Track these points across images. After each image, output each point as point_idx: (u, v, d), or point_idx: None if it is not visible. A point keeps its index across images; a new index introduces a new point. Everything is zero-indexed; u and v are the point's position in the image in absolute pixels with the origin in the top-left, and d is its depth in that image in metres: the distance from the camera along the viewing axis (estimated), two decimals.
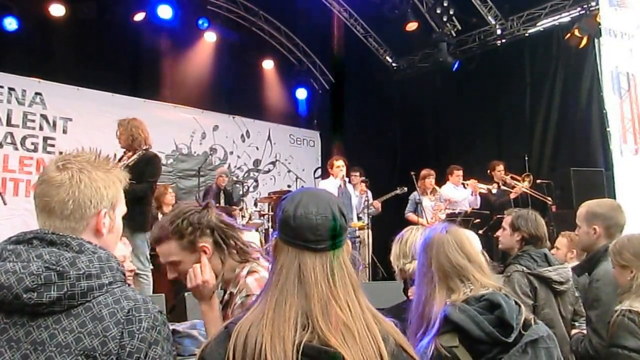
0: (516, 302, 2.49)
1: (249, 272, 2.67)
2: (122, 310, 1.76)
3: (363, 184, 10.49)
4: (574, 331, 4.17)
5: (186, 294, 6.38)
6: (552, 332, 2.53)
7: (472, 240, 2.78)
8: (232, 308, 2.65)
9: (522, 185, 10.40)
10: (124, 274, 1.91)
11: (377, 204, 10.63)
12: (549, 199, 10.21)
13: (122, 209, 2.04)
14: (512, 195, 10.38)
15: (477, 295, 2.49)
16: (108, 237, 1.97)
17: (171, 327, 2.74)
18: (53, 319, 1.72)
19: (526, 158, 10.83)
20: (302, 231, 1.74)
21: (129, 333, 1.73)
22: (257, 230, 10.43)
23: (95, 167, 1.92)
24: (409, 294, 3.43)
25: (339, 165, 9.98)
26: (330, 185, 9.74)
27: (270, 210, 11.13)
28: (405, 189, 10.70)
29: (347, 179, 10.18)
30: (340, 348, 1.62)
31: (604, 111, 9.31)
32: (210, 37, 13.46)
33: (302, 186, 12.62)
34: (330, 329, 1.65)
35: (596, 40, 10.21)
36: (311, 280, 1.71)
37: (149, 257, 7.02)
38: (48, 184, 1.86)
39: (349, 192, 10.10)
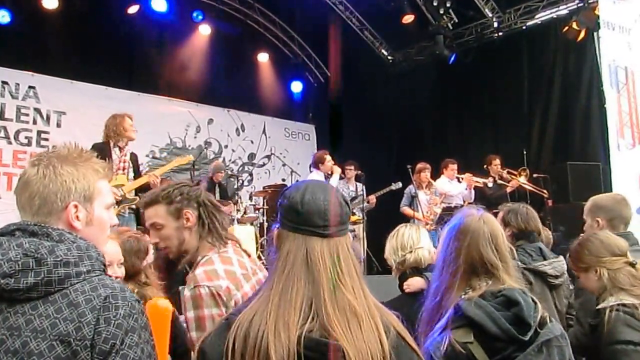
0: (533, 300, 2.44)
1: (202, 263, 2.83)
2: (99, 297, 1.77)
3: (357, 183, 10.54)
4: None
5: (181, 287, 6.37)
6: (564, 331, 2.48)
7: (503, 234, 2.65)
8: (183, 299, 2.79)
9: (519, 180, 10.35)
10: (104, 265, 1.92)
11: (373, 199, 10.56)
12: (545, 191, 10.18)
13: (104, 201, 2.03)
14: (509, 189, 10.35)
15: (493, 291, 2.45)
16: (87, 230, 1.96)
17: None
18: (30, 305, 1.74)
19: (525, 152, 10.74)
20: (310, 216, 1.77)
21: (105, 319, 1.74)
22: (252, 224, 10.39)
23: (64, 162, 1.92)
24: (405, 287, 3.50)
25: (330, 159, 10.06)
26: (318, 178, 9.71)
27: (265, 204, 11.08)
28: (400, 184, 10.68)
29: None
30: (342, 338, 1.62)
31: (604, 106, 9.24)
32: (204, 30, 13.41)
33: (298, 180, 12.57)
34: (336, 315, 1.66)
35: (595, 34, 10.09)
36: (319, 266, 1.72)
37: None
38: (20, 181, 1.92)
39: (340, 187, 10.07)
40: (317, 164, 10.07)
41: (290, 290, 1.70)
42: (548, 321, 2.40)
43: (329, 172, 9.96)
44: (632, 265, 3.26)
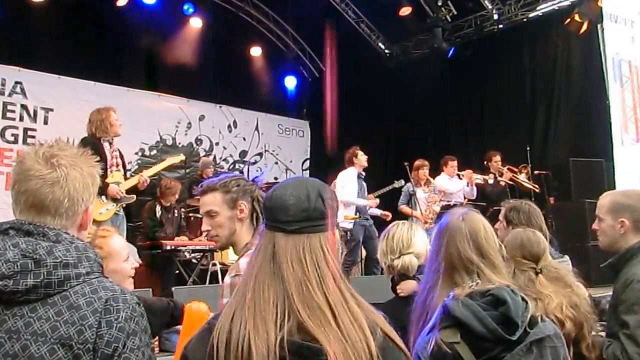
0: (523, 299, 2.38)
1: (247, 254, 2.79)
2: (100, 300, 1.76)
3: None
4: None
5: (173, 288, 6.16)
6: (558, 330, 2.43)
7: (489, 232, 2.60)
8: (223, 284, 2.94)
9: (516, 176, 10.25)
10: (101, 266, 1.90)
11: (371, 198, 10.25)
12: (537, 186, 10.07)
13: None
14: (502, 183, 10.27)
15: (482, 290, 2.39)
16: (85, 231, 2.01)
17: None
18: (29, 307, 1.72)
19: (528, 149, 10.53)
20: (275, 211, 1.76)
21: (106, 322, 1.73)
22: None
23: (84, 163, 1.93)
24: (398, 290, 3.45)
25: (363, 153, 9.76)
26: (351, 175, 9.54)
27: None
28: (403, 181, 10.45)
29: (363, 173, 9.81)
30: (324, 340, 1.58)
31: (607, 101, 9.09)
32: (196, 23, 13.26)
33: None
34: (309, 314, 1.62)
35: (599, 26, 9.98)
36: (284, 262, 1.69)
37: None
38: (41, 180, 1.83)
39: (364, 185, 9.78)
40: (350, 160, 9.70)
41: (262, 287, 1.68)
42: (540, 320, 2.36)
43: (365, 167, 9.69)
44: (537, 273, 3.27)
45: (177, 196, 9.52)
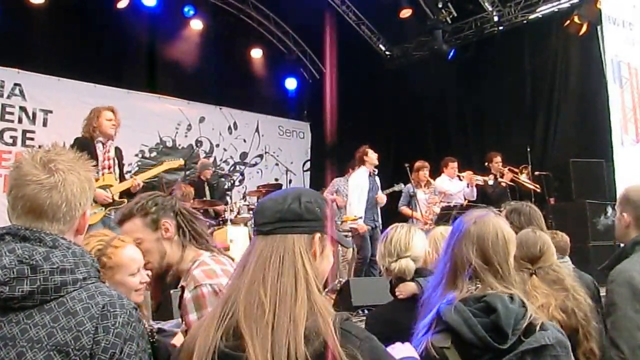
0: (524, 305, 2.34)
1: (197, 266, 2.72)
2: (97, 306, 1.75)
3: None
4: None
5: (172, 291, 6.14)
6: (563, 339, 2.32)
7: (501, 238, 2.51)
8: (184, 302, 2.67)
9: (517, 176, 10.25)
10: (99, 271, 1.90)
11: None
12: (537, 186, 10.03)
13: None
14: (503, 184, 10.25)
15: (477, 296, 2.37)
16: (80, 236, 1.99)
17: (157, 326, 2.92)
18: (25, 314, 1.70)
19: (529, 150, 10.51)
20: (255, 215, 1.79)
21: (103, 328, 1.72)
22: (245, 225, 10.14)
23: (81, 167, 1.92)
24: (397, 293, 3.44)
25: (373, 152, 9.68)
26: (362, 175, 9.49)
27: None
28: (402, 184, 10.43)
29: (375, 170, 9.76)
30: (248, 334, 1.57)
31: (607, 102, 9.08)
32: (196, 25, 13.25)
33: (291, 180, 12.42)
34: (247, 309, 1.61)
35: (598, 28, 9.98)
36: (250, 261, 1.70)
37: None
38: (38, 185, 1.82)
39: (377, 183, 9.75)
40: (361, 159, 9.63)
41: (227, 289, 1.72)
42: (538, 329, 2.27)
43: (375, 166, 9.64)
44: (531, 274, 3.26)
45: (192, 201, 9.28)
